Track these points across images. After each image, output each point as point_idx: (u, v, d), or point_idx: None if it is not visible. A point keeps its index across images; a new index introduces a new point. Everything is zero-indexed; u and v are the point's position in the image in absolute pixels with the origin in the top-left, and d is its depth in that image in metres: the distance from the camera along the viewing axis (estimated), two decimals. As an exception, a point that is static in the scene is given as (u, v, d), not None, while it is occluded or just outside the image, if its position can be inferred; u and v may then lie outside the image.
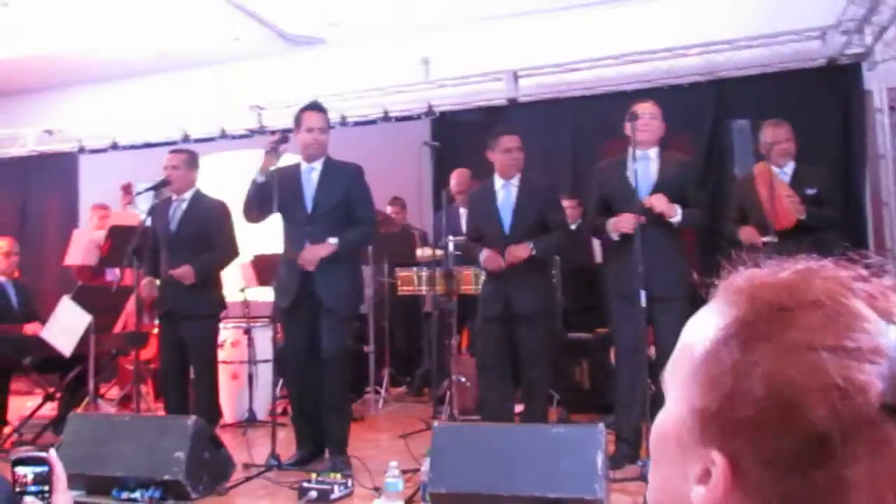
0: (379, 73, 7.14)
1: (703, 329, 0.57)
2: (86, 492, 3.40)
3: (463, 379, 4.96)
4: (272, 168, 4.01)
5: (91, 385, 4.71)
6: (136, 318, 4.87)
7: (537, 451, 3.08)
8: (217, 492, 3.51)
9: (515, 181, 4.23)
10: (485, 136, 4.40)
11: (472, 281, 4.91)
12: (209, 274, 4.58)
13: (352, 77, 7.19)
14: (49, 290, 6.89)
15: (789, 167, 4.28)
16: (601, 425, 3.16)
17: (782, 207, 4.03)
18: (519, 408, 4.38)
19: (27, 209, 8.68)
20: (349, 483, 3.45)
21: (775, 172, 4.16)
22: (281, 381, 4.93)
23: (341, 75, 7.23)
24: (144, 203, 5.06)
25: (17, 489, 1.21)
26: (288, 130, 4.27)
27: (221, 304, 4.74)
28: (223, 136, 7.79)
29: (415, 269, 5.53)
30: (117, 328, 5.30)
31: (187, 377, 4.64)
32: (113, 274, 5.99)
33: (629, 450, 3.74)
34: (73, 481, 3.14)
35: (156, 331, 5.07)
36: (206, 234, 4.55)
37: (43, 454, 1.23)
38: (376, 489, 3.39)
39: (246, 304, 5.47)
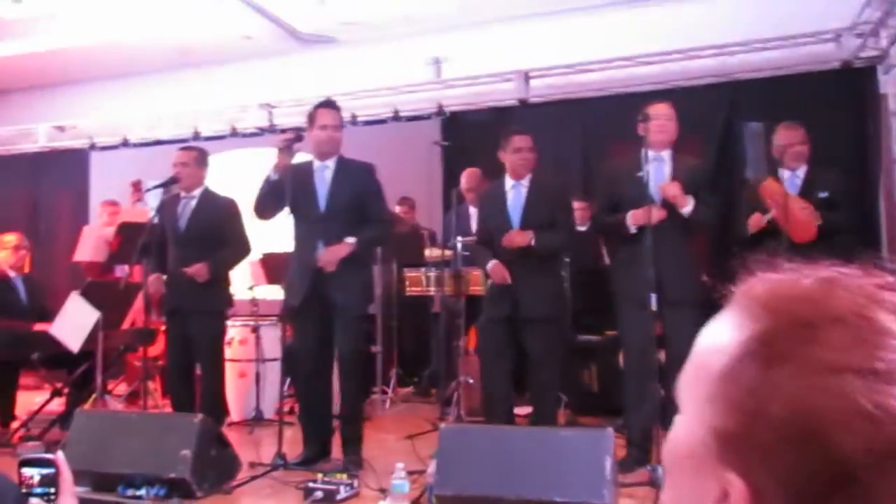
0: (390, 73, 7.13)
1: (720, 341, 0.53)
2: (91, 488, 3.40)
3: (471, 380, 4.93)
4: (285, 166, 4.00)
5: (99, 381, 4.71)
6: (144, 314, 4.87)
7: (545, 454, 3.06)
8: (223, 490, 3.50)
9: (526, 181, 4.20)
10: (495, 136, 4.38)
11: (480, 282, 4.88)
12: (223, 271, 4.59)
13: (362, 76, 7.17)
14: (60, 285, 6.90)
15: (802, 171, 4.24)
16: (610, 429, 3.13)
17: (799, 221, 3.99)
18: (526, 410, 4.36)
19: (38, 205, 8.72)
20: (355, 484, 3.44)
21: (785, 185, 4.12)
22: (288, 380, 4.92)
23: (352, 74, 7.22)
24: (154, 200, 5.06)
25: (23, 490, 1.19)
26: (301, 128, 4.26)
27: (228, 302, 4.74)
28: (234, 134, 7.79)
29: (423, 269, 5.52)
30: (125, 324, 5.31)
31: (194, 374, 4.65)
32: (122, 270, 5.99)
33: (639, 453, 3.71)
34: (79, 478, 3.13)
35: (164, 328, 5.08)
36: (217, 232, 4.55)
37: (50, 456, 1.21)
38: (382, 490, 3.37)
39: (254, 302, 5.47)
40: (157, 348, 5.62)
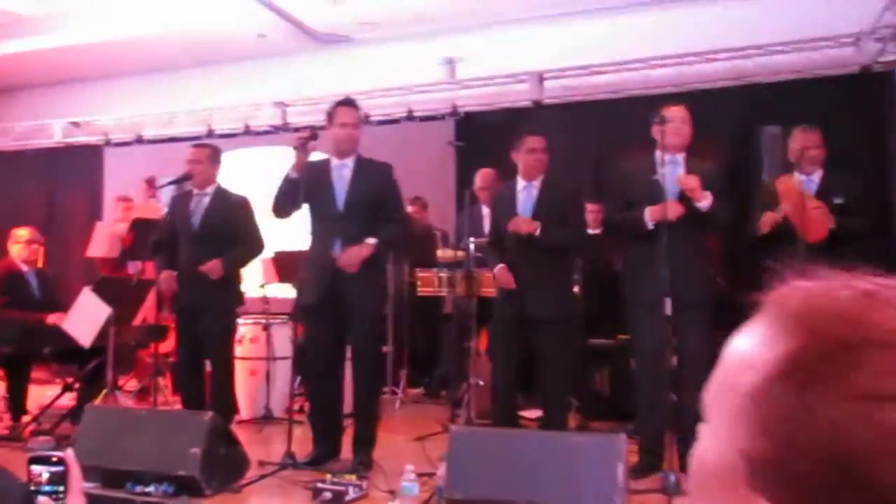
0: (404, 73, 7.11)
1: (751, 356, 0.50)
2: (101, 484, 3.40)
3: (482, 382, 4.91)
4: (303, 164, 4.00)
5: (109, 377, 4.72)
6: (155, 311, 4.88)
7: (557, 459, 3.03)
8: (231, 489, 3.49)
9: (537, 183, 4.17)
10: (509, 137, 4.35)
11: (492, 283, 4.85)
12: (236, 268, 4.59)
13: (377, 76, 7.16)
14: (74, 281, 6.93)
15: (817, 175, 4.19)
16: (623, 435, 3.09)
17: (812, 220, 3.94)
18: (536, 413, 4.32)
19: (53, 200, 8.76)
20: (364, 485, 3.42)
21: (801, 184, 4.07)
22: (298, 379, 4.91)
23: (366, 74, 7.20)
24: (168, 196, 5.08)
25: (32, 488, 1.18)
26: (317, 127, 4.25)
27: (239, 299, 4.73)
28: (247, 132, 7.80)
29: (435, 269, 5.50)
30: (137, 321, 5.31)
31: (204, 371, 4.65)
32: (135, 266, 6.01)
33: (651, 459, 3.67)
34: (88, 474, 3.13)
35: (174, 324, 5.08)
36: (230, 230, 4.55)
37: (60, 454, 1.20)
38: (391, 492, 3.35)
39: (265, 300, 5.47)
40: (168, 345, 5.63)
